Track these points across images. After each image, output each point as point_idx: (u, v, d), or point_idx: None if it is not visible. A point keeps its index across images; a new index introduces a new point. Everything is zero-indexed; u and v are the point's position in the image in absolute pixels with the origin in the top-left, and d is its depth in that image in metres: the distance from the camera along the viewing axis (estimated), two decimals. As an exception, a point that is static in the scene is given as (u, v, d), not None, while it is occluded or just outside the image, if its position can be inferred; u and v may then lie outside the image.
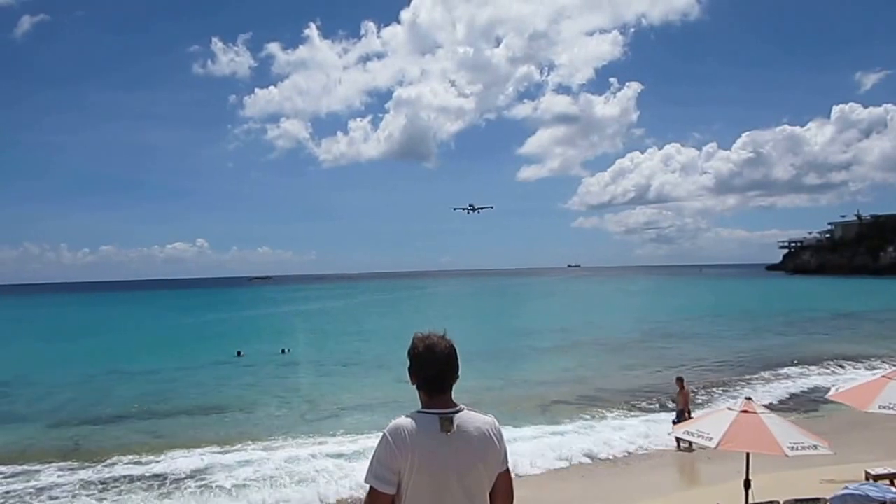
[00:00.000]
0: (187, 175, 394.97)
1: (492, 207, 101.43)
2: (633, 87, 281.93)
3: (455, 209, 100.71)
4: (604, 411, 18.28)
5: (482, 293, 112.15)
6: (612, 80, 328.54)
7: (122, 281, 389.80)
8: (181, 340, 42.72)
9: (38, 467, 14.03)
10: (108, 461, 14.34)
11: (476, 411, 2.77)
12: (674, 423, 13.80)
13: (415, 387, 2.81)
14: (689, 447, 13.55)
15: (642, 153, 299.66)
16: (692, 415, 13.89)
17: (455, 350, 2.79)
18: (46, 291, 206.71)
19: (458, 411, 2.71)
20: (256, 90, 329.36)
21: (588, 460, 13.80)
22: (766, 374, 23.73)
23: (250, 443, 15.73)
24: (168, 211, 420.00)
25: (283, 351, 33.22)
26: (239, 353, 32.71)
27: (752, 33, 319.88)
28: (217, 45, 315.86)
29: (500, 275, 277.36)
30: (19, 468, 14.04)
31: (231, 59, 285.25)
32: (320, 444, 15.37)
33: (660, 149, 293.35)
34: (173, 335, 47.46)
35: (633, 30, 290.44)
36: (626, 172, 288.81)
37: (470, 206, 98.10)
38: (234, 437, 16.35)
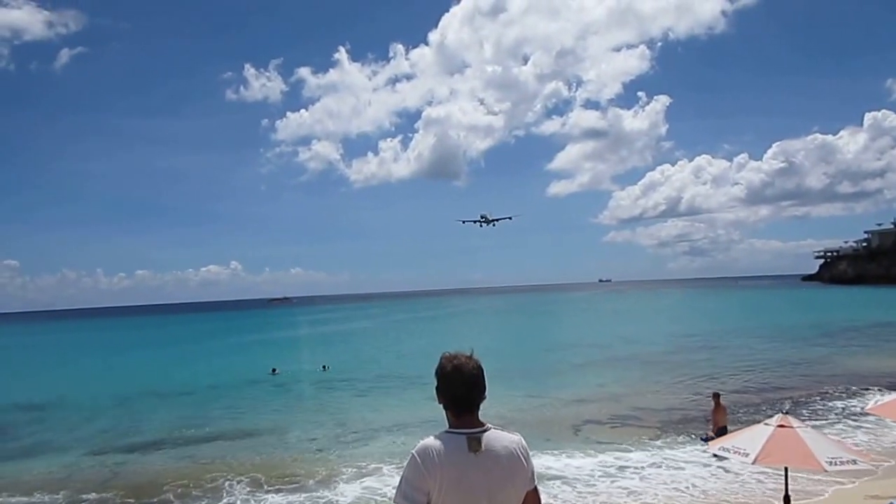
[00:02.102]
0: (221, 199, 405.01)
1: (510, 219, 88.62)
2: (662, 101, 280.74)
3: (464, 222, 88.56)
4: (638, 431, 17.98)
5: (513, 309, 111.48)
6: (640, 93, 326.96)
7: (157, 305, 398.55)
8: (215, 361, 43.48)
9: (80, 497, 14.23)
10: (148, 492, 14.44)
11: (503, 430, 2.81)
12: (708, 439, 13.66)
13: (442, 406, 2.85)
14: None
15: (672, 166, 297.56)
16: (729, 431, 13.72)
17: (482, 370, 2.84)
18: (84, 316, 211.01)
19: (485, 430, 2.74)
20: (288, 114, 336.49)
21: (622, 485, 13.58)
22: (804, 388, 23.25)
23: (284, 467, 15.84)
24: (202, 234, 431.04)
25: (322, 368, 33.55)
26: (274, 371, 33.18)
27: (779, 43, 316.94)
28: (249, 70, 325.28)
29: (530, 291, 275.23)
30: (61, 497, 14.28)
31: (263, 84, 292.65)
32: (353, 466, 15.45)
33: (690, 161, 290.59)
34: (207, 356, 48.26)
35: (659, 44, 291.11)
36: (656, 185, 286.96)
37: (482, 217, 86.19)
38: (268, 461, 16.47)
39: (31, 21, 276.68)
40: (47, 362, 51.74)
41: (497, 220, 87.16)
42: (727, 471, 13.36)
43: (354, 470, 15.12)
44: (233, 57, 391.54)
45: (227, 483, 14.67)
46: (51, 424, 23.98)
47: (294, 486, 14.28)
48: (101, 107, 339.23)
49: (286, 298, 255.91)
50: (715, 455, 13.33)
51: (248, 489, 14.16)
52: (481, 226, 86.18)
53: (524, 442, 2.81)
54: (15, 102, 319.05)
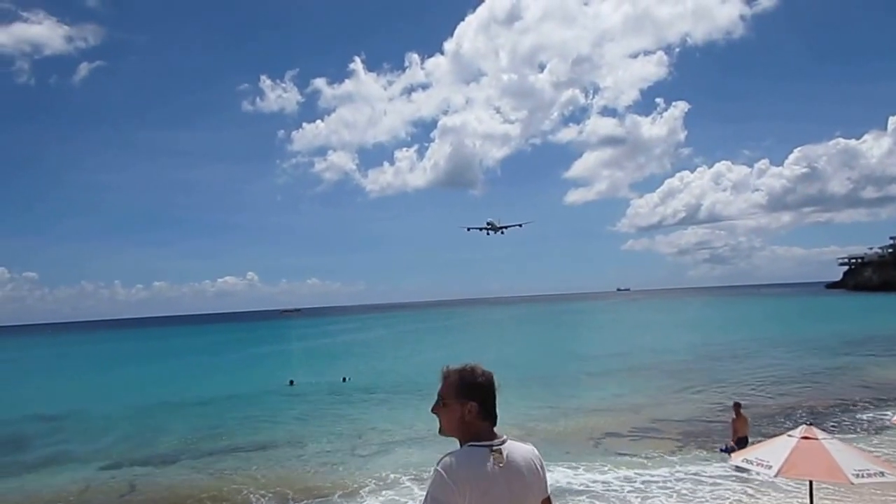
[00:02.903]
0: (237, 210, 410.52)
1: (520, 226, 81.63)
2: (680, 107, 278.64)
3: (469, 229, 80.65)
4: (659, 443, 17.72)
5: (530, 319, 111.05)
6: (658, 100, 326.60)
7: (174, 316, 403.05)
8: (232, 372, 43.92)
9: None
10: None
11: (518, 441, 2.79)
12: (728, 449, 13.44)
13: None
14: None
15: (692, 172, 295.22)
16: (751, 442, 13.49)
17: (495, 381, 2.81)
18: (102, 328, 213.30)
19: (503, 442, 2.73)
20: (304, 124, 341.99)
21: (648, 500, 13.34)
22: (829, 399, 22.81)
23: (305, 480, 15.86)
24: (219, 246, 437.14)
25: (343, 379, 33.53)
26: (291, 383, 33.29)
27: (800, 47, 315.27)
28: (265, 82, 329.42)
29: (548, 300, 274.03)
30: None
31: (279, 95, 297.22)
32: (373, 478, 15.44)
33: (709, 167, 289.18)
34: (224, 367, 48.75)
35: (677, 50, 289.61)
36: (675, 192, 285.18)
37: (489, 224, 79.24)
38: (289, 474, 16.51)
39: (51, 36, 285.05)
40: (66, 373, 52.51)
41: (506, 227, 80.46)
42: (750, 484, 13.13)
43: (375, 482, 15.12)
44: (249, 68, 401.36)
45: (250, 497, 14.71)
46: (69, 436, 24.24)
47: (317, 499, 14.31)
48: (120, 119, 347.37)
49: (297, 310, 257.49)
50: (737, 467, 13.19)
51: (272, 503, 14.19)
52: (489, 233, 79.40)
53: (538, 452, 2.81)
54: (35, 116, 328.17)
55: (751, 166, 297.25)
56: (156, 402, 30.67)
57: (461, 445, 2.74)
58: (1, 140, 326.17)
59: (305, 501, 14.23)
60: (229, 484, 15.90)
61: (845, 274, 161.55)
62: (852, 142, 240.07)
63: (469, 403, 2.76)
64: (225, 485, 15.85)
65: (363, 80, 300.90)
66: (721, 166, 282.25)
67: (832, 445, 7.38)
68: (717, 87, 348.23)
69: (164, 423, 25.46)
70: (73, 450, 21.56)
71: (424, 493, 2.63)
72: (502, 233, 79.95)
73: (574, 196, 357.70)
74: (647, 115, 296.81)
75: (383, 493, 14.36)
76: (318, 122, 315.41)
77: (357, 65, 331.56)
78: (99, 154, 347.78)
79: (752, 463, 7.89)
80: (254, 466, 17.58)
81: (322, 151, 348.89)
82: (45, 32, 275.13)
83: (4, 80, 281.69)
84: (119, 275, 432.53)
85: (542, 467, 2.78)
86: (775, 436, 10.32)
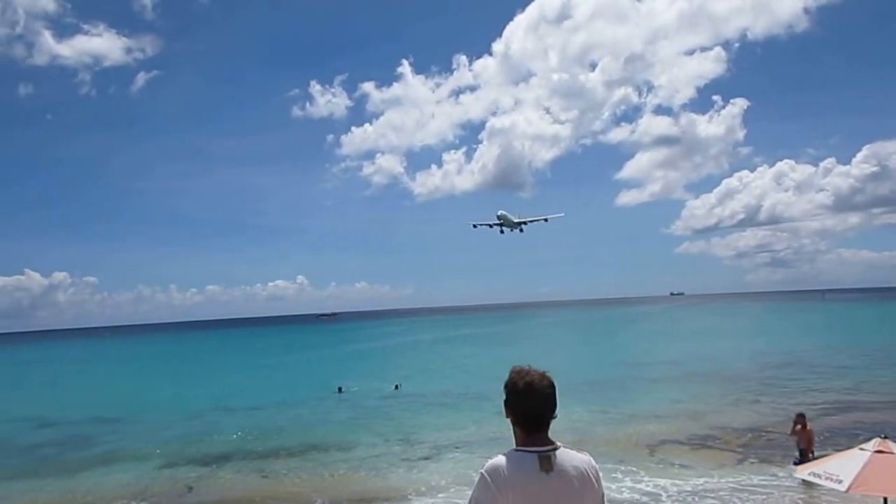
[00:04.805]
0: (288, 214, 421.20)
1: (545, 220, 65.18)
2: (739, 104, 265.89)
3: (475, 226, 65.47)
4: (720, 454, 17.14)
5: (581, 323, 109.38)
6: (715, 97, 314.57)
7: (226, 319, 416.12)
8: (281, 377, 44.76)
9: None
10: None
11: (572, 449, 2.72)
12: (796, 463, 12.90)
13: (510, 422, 2.79)
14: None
15: (751, 172, 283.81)
16: (816, 455, 12.92)
17: (554, 388, 2.76)
18: (157, 331, 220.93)
19: (555, 449, 2.67)
20: (353, 128, 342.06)
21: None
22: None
23: (356, 484, 16.02)
24: (269, 250, 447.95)
25: (396, 387, 33.57)
26: (340, 390, 33.56)
27: (868, 39, 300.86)
28: (315, 87, 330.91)
29: (599, 305, 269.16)
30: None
31: (328, 100, 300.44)
32: (423, 484, 15.47)
33: (771, 166, 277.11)
34: (273, 372, 49.65)
35: (736, 45, 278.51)
36: (733, 193, 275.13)
37: (500, 218, 62.85)
38: (340, 479, 16.69)
39: (110, 48, 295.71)
40: (121, 375, 54.86)
41: (525, 222, 64.66)
42: (818, 499, 12.56)
43: (424, 487, 15.18)
44: (299, 74, 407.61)
45: (302, 500, 14.94)
46: (128, 435, 25.16)
47: (368, 502, 14.44)
48: (174, 128, 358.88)
49: (334, 314, 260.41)
50: (804, 481, 12.65)
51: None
52: (502, 231, 63.79)
53: (594, 462, 2.73)
54: (96, 127, 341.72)
55: (815, 165, 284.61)
56: (208, 405, 31.47)
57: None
58: (62, 150, 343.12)
59: (356, 503, 14.38)
60: (282, 486, 16.22)
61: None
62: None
63: (513, 406, 2.75)
64: (278, 487, 16.18)
65: (411, 83, 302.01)
66: (783, 165, 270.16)
67: (909, 461, 6.99)
68: (778, 84, 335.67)
69: (217, 425, 26.07)
70: (132, 449, 22.35)
71: (469, 496, 2.65)
72: (521, 230, 64.69)
73: (626, 197, 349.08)
74: (703, 114, 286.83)
75: (433, 497, 14.38)
76: (367, 125, 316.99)
77: (405, 68, 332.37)
78: (155, 162, 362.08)
79: (820, 477, 7.55)
80: (305, 470, 17.83)
81: (370, 155, 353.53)
82: (105, 44, 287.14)
83: (68, 91, 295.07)
84: (174, 279, 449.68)
85: (597, 478, 2.71)
86: (844, 449, 9.85)
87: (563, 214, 68.27)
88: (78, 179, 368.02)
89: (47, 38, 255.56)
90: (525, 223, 64.24)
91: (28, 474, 19.47)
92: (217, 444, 22.27)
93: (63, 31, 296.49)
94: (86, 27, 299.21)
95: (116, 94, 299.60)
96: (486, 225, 64.08)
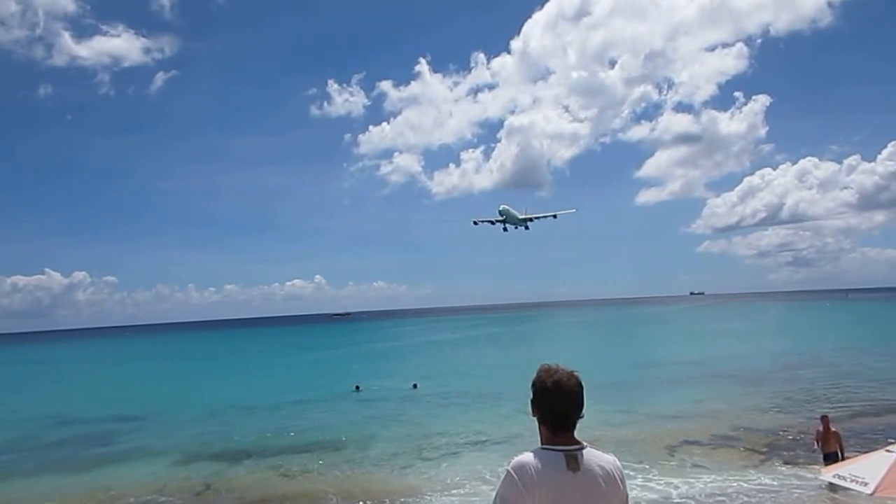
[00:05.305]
0: (305, 214, 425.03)
1: (554, 216, 61.31)
2: (761, 101, 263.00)
3: (476, 223, 60.97)
4: (741, 454, 16.91)
5: (599, 323, 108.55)
6: (736, 94, 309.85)
7: (243, 319, 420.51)
8: (300, 375, 45.06)
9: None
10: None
11: (598, 450, 2.70)
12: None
13: (535, 420, 2.75)
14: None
15: (774, 170, 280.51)
16: (844, 457, 12.67)
17: (582, 387, 2.72)
18: (176, 330, 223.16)
19: (581, 449, 2.64)
20: (370, 127, 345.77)
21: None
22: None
23: (373, 483, 16.07)
24: (287, 249, 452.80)
25: (413, 386, 33.58)
26: (357, 388, 33.63)
27: (893, 33, 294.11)
28: (332, 86, 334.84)
29: (617, 304, 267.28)
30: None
31: (346, 99, 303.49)
32: (439, 482, 15.50)
33: (793, 164, 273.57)
34: (291, 370, 50.10)
35: (759, 41, 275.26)
36: (755, 191, 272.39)
37: (502, 214, 58.93)
38: (357, 477, 16.78)
39: (129, 48, 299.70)
40: (141, 374, 55.59)
41: (530, 219, 60.55)
42: (843, 502, 12.32)
43: (441, 485, 15.22)
44: (317, 73, 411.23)
45: (320, 496, 15.05)
46: (147, 433, 25.48)
47: (385, 499, 14.47)
48: (192, 128, 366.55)
49: (347, 313, 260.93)
50: (829, 483, 12.41)
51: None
52: (505, 228, 59.88)
53: (619, 463, 2.70)
54: (115, 127, 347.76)
55: (839, 162, 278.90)
56: (226, 404, 31.76)
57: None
58: (81, 151, 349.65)
59: (373, 501, 14.39)
60: (299, 484, 16.33)
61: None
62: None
63: (540, 404, 2.72)
64: (295, 485, 16.30)
65: (429, 82, 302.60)
66: (806, 163, 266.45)
67: (939, 463, 6.83)
68: (802, 80, 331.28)
69: (235, 423, 26.33)
70: (151, 446, 22.63)
71: (494, 493, 2.59)
72: (526, 227, 60.73)
73: (646, 196, 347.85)
74: (725, 111, 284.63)
75: (450, 495, 14.38)
76: (384, 124, 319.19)
77: (422, 66, 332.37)
78: (173, 162, 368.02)
79: (845, 479, 7.42)
80: (323, 467, 17.92)
81: (388, 154, 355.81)
82: (123, 45, 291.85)
83: (87, 92, 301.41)
84: (192, 278, 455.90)
85: (622, 479, 2.68)
86: (870, 451, 9.65)
87: (574, 210, 65.42)
88: (97, 180, 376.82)
89: (66, 39, 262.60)
90: (531, 220, 60.79)
91: (49, 470, 19.82)
92: (235, 441, 22.47)
93: (82, 32, 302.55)
94: (104, 28, 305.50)
95: (135, 95, 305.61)
96: (488, 222, 60.17)
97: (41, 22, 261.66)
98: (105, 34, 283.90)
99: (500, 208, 59.00)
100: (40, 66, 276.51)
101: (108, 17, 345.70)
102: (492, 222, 59.66)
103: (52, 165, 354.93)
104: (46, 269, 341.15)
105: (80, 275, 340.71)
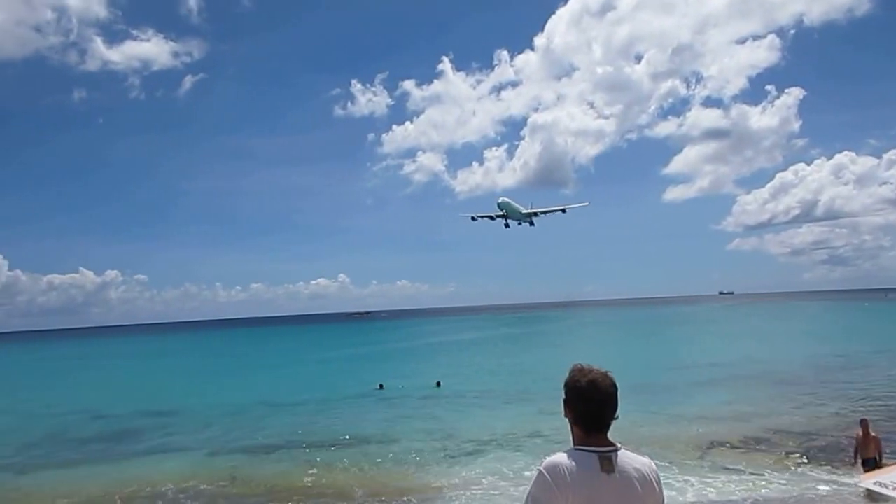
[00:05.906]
0: (330, 213, 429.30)
1: (563, 211, 55.53)
2: (794, 94, 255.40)
3: (475, 218, 56.38)
4: (773, 458, 16.42)
5: (626, 323, 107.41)
6: (768, 87, 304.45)
7: (269, 317, 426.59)
8: (325, 374, 45.42)
9: (204, 495, 15.49)
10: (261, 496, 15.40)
11: (633, 451, 2.65)
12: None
13: (568, 421, 2.71)
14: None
15: (808, 165, 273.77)
16: (884, 464, 12.16)
17: (616, 388, 2.68)
18: (204, 328, 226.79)
19: (616, 450, 2.59)
20: (394, 127, 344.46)
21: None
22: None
23: (397, 480, 16.06)
24: (312, 248, 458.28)
25: (437, 384, 33.54)
26: (381, 387, 33.68)
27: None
28: (356, 86, 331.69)
29: (644, 304, 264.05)
30: (184, 495, 15.59)
31: (369, 98, 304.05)
32: (460, 481, 15.38)
33: (829, 159, 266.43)
34: (317, 368, 50.65)
35: (791, 32, 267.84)
36: (788, 187, 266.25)
37: (501, 207, 54.35)
38: (381, 474, 16.78)
39: (158, 52, 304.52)
40: (169, 371, 56.60)
41: (535, 213, 55.51)
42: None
43: (464, 483, 15.14)
44: (340, 73, 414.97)
45: (344, 491, 15.12)
46: (175, 429, 25.85)
47: (409, 496, 14.46)
48: (219, 129, 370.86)
49: (367, 313, 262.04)
50: (868, 491, 11.93)
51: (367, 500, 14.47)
52: (507, 225, 55.13)
53: (655, 466, 2.64)
54: (145, 129, 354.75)
55: (878, 157, 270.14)
56: (252, 401, 32.07)
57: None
58: (113, 152, 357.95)
59: (398, 498, 14.38)
60: (324, 479, 16.43)
61: None
62: None
63: (573, 405, 2.68)
64: (320, 480, 16.40)
65: (451, 81, 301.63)
66: (842, 157, 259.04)
67: None
68: (837, 72, 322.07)
69: (261, 419, 26.65)
70: (179, 441, 23.02)
71: (525, 493, 2.54)
72: (531, 223, 55.97)
73: (673, 193, 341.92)
74: (755, 105, 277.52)
75: (472, 492, 14.28)
76: (408, 123, 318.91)
77: (445, 65, 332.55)
78: (201, 163, 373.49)
79: (886, 486, 7.06)
80: (347, 464, 18.00)
81: (411, 153, 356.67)
82: (153, 49, 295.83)
83: (118, 95, 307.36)
84: (219, 277, 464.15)
85: (658, 482, 2.61)
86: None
87: (587, 203, 60.91)
88: (128, 180, 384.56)
89: (99, 44, 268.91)
90: (535, 214, 55.83)
91: (80, 463, 20.32)
92: (261, 437, 22.72)
93: (113, 37, 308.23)
94: (135, 33, 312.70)
95: (164, 97, 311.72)
96: (488, 217, 55.43)
97: (75, 28, 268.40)
98: (135, 39, 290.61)
99: (500, 201, 54.61)
100: (74, 70, 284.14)
101: (139, 23, 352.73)
102: (492, 217, 55.48)
103: (86, 166, 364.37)
104: (80, 268, 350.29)
105: (112, 273, 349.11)
